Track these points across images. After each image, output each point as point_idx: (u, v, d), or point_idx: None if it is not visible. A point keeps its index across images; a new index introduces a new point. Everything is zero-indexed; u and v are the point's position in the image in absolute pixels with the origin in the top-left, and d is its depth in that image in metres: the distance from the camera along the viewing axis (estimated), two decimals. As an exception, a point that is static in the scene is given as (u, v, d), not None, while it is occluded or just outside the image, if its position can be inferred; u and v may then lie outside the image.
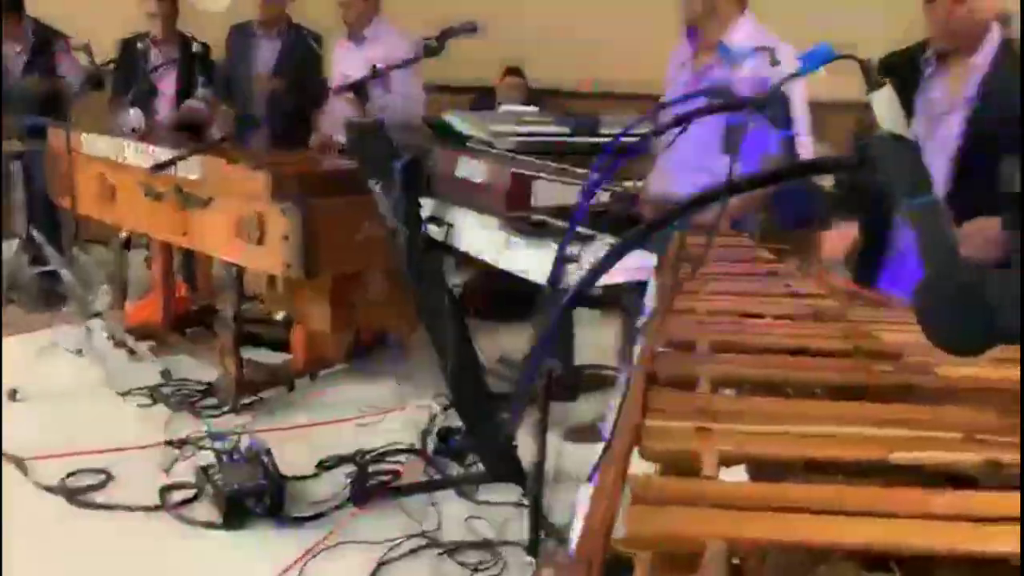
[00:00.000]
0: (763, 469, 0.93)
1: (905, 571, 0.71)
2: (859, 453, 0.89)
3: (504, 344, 3.56)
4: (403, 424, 3.09)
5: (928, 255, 0.68)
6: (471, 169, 2.15)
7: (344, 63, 3.97)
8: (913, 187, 0.66)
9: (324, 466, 2.76)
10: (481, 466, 2.76)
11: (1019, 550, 0.68)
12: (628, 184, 2.34)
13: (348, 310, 3.33)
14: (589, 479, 0.81)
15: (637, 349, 1.20)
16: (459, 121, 2.64)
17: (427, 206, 2.44)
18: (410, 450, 2.92)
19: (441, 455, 2.90)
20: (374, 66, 2.52)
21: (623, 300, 2.65)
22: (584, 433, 2.94)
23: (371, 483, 2.66)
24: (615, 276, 2.04)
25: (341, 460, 2.79)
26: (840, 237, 1.98)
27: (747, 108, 1.24)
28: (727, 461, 0.88)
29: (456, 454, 2.89)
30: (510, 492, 2.62)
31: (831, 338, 1.33)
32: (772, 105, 1.18)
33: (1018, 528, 0.70)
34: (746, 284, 1.63)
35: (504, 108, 3.53)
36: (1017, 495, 0.82)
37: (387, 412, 3.17)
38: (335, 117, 3.70)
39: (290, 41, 4.25)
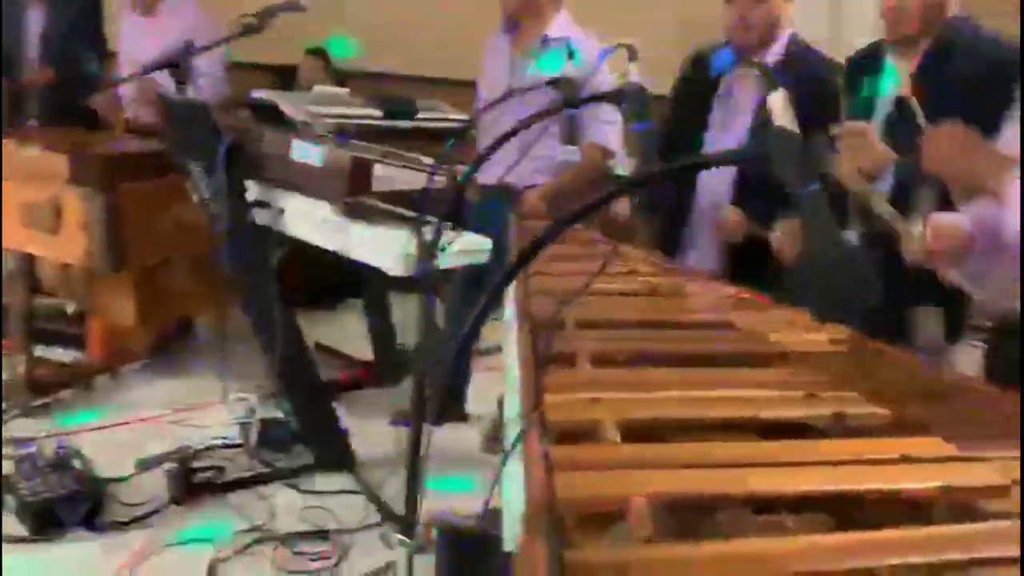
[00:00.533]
0: (634, 432, 1.02)
1: (837, 516, 0.81)
2: (735, 412, 1.01)
3: (317, 332, 3.49)
4: (221, 418, 2.96)
5: (812, 235, 0.79)
6: (308, 153, 2.11)
7: (131, 38, 3.69)
8: (802, 177, 0.76)
9: (142, 466, 2.60)
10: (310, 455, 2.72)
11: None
12: (458, 169, 2.39)
13: (153, 300, 3.14)
14: (503, 457, 0.86)
15: (513, 330, 1.26)
16: (280, 101, 2.57)
17: (253, 190, 2.36)
18: (232, 444, 2.81)
19: (265, 447, 2.82)
20: (188, 42, 2.39)
21: (442, 283, 2.71)
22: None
23: (195, 480, 2.54)
24: (453, 259, 2.09)
25: (159, 459, 2.63)
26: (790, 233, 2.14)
27: (606, 102, 1.34)
28: (624, 427, 0.96)
29: (282, 446, 2.82)
30: (341, 481, 2.61)
31: (674, 310, 1.46)
32: (629, 99, 1.28)
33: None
34: (589, 264, 1.74)
35: (317, 89, 3.45)
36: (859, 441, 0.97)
37: (203, 406, 3.03)
38: (131, 94, 3.45)
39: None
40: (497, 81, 2.79)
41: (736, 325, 1.41)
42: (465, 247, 1.96)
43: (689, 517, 0.86)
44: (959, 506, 0.86)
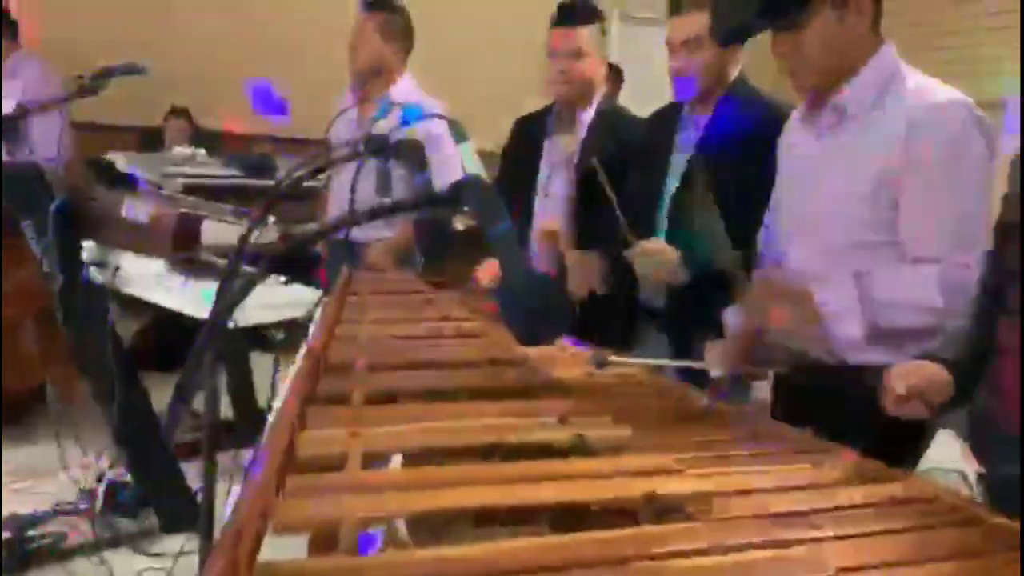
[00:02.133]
0: (416, 460, 1.08)
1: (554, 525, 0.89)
2: (481, 438, 1.08)
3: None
4: (65, 486, 2.87)
5: (507, 271, 0.88)
6: (137, 210, 2.13)
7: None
8: (492, 217, 0.85)
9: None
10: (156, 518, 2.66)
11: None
12: (302, 227, 2.44)
13: (-5, 365, 3.04)
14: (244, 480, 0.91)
15: (291, 373, 1.31)
16: (126, 162, 2.58)
17: (90, 249, 2.35)
18: (73, 511, 2.72)
19: (112, 513, 2.74)
20: (20, 104, 2.39)
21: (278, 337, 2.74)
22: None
23: (30, 548, 2.45)
24: (273, 314, 2.13)
25: (-13, 528, 2.53)
26: (490, 271, 2.25)
27: (393, 157, 1.42)
28: (371, 457, 1.02)
29: (128, 511, 2.75)
30: (189, 541, 2.56)
31: (471, 351, 1.54)
32: (406, 153, 1.37)
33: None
34: (403, 312, 1.81)
35: (175, 150, 3.46)
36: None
37: (47, 474, 2.93)
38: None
39: None
40: (345, 141, 2.87)
41: (530, 362, 1.49)
42: (285, 300, 2.01)
43: (420, 536, 0.93)
44: (664, 511, 0.95)
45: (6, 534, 2.45)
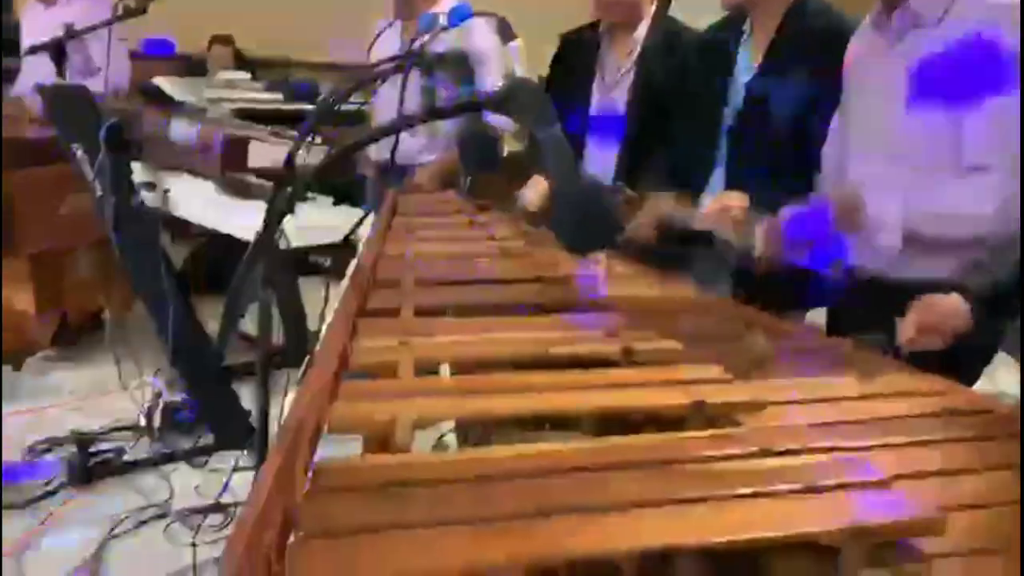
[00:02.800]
0: (463, 370, 1.09)
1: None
2: (526, 350, 1.08)
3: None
4: (125, 404, 2.97)
5: (556, 173, 0.87)
6: (184, 132, 2.14)
7: (33, 25, 3.66)
8: (541, 119, 0.83)
9: (37, 451, 2.61)
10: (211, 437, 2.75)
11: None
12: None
13: (54, 290, 3.13)
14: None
15: (341, 288, 1.32)
16: (171, 86, 2.59)
17: (139, 172, 2.38)
18: (134, 427, 2.82)
19: (170, 431, 2.83)
20: (68, 26, 2.40)
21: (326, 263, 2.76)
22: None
23: (92, 463, 2.55)
24: (322, 235, 2.14)
25: (58, 443, 2.65)
26: (535, 188, 2.22)
27: (436, 69, 1.40)
28: (421, 364, 1.03)
29: (185, 428, 2.84)
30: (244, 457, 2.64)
31: (517, 269, 1.54)
32: (451, 65, 1.34)
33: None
34: (449, 231, 1.81)
35: (220, 75, 3.46)
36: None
37: (107, 394, 3.03)
38: (31, 80, 3.42)
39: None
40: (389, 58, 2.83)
41: (574, 280, 1.49)
42: (332, 223, 2.01)
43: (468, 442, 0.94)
44: (713, 420, 0.95)
45: (71, 449, 2.55)
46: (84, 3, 3.53)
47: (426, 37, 1.54)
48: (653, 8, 2.31)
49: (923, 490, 0.79)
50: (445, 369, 1.13)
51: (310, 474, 0.72)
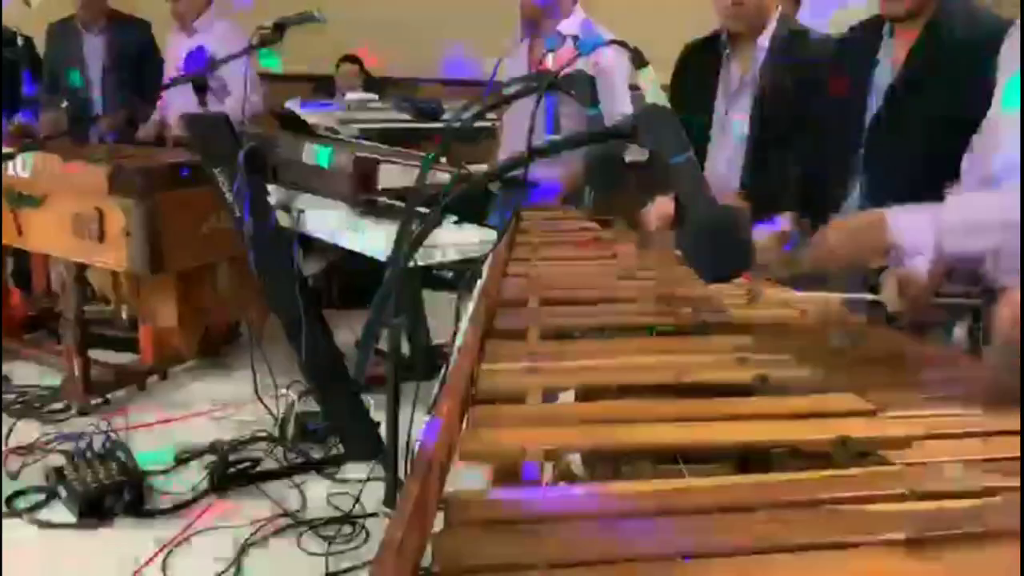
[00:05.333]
0: (588, 396, 1.08)
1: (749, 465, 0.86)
2: (655, 376, 1.06)
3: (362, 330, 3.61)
4: (261, 414, 3.10)
5: (689, 201, 0.84)
6: (316, 155, 2.22)
7: (175, 57, 3.91)
8: (673, 147, 0.81)
9: (182, 459, 2.76)
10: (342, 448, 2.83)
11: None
12: (472, 167, 2.46)
13: (196, 305, 3.31)
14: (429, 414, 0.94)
15: (470, 308, 1.33)
16: (304, 110, 2.70)
17: (275, 194, 2.49)
18: (269, 438, 2.94)
19: (302, 441, 2.94)
20: (210, 57, 2.54)
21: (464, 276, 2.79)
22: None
23: (231, 471, 2.68)
24: (447, 253, 2.17)
25: (199, 452, 2.79)
26: (660, 210, 2.19)
27: (559, 89, 1.40)
28: (550, 390, 1.03)
29: (317, 438, 2.94)
30: (374, 469, 2.71)
31: (642, 288, 1.51)
32: (577, 86, 1.34)
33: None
34: (572, 250, 1.81)
35: (348, 96, 3.59)
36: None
37: (244, 404, 3.18)
38: (174, 108, 3.65)
39: (116, 35, 4.15)
40: (516, 79, 2.86)
41: (701, 301, 1.45)
42: (459, 241, 2.04)
43: (596, 471, 0.93)
44: (858, 456, 0.90)
45: (211, 458, 2.68)
46: (222, 29, 3.75)
47: (549, 57, 1.54)
48: (778, 13, 2.24)
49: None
50: (569, 395, 1.12)
51: (441, 505, 0.73)
